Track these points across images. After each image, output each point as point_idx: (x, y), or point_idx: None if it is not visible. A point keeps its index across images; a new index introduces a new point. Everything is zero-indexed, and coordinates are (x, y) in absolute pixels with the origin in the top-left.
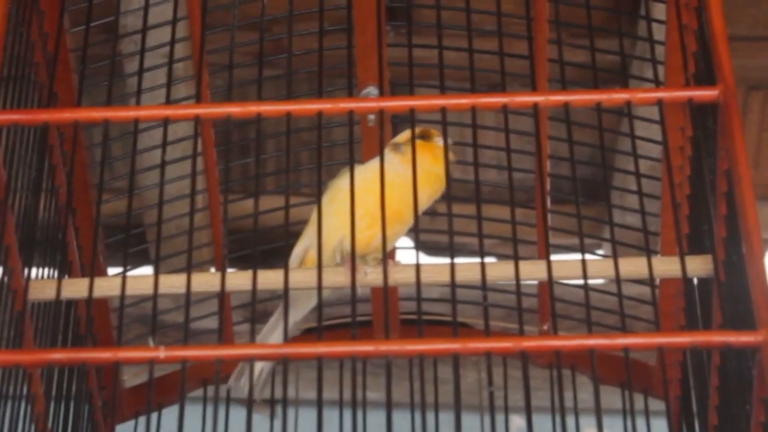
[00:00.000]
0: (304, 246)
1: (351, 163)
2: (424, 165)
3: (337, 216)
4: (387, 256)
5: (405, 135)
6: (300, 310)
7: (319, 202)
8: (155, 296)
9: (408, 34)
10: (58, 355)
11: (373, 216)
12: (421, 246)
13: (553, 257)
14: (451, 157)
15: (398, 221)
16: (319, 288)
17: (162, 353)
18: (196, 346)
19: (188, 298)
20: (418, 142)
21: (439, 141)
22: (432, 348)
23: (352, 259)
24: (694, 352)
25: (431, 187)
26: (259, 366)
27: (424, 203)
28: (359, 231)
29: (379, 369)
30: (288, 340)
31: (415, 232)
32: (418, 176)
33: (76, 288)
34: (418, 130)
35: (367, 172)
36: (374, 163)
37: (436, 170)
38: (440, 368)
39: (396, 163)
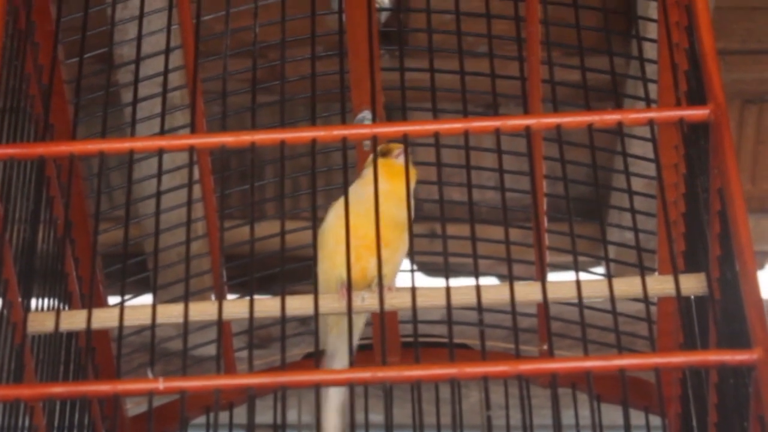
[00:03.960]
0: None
1: (345, 190)
2: (383, 185)
3: (328, 259)
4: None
5: (370, 157)
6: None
7: (314, 231)
8: (153, 327)
9: (400, 58)
10: (58, 389)
11: (356, 249)
12: (420, 267)
13: (552, 275)
14: (413, 172)
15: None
16: (316, 315)
17: (161, 384)
18: (195, 376)
19: (186, 328)
20: (381, 161)
21: (398, 157)
22: (429, 374)
23: (348, 285)
24: (692, 369)
25: (395, 207)
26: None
27: (393, 224)
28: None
29: (381, 391)
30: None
31: (410, 255)
32: (380, 198)
33: (75, 320)
34: (379, 147)
35: (338, 208)
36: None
37: (392, 188)
38: (441, 389)
39: (359, 191)
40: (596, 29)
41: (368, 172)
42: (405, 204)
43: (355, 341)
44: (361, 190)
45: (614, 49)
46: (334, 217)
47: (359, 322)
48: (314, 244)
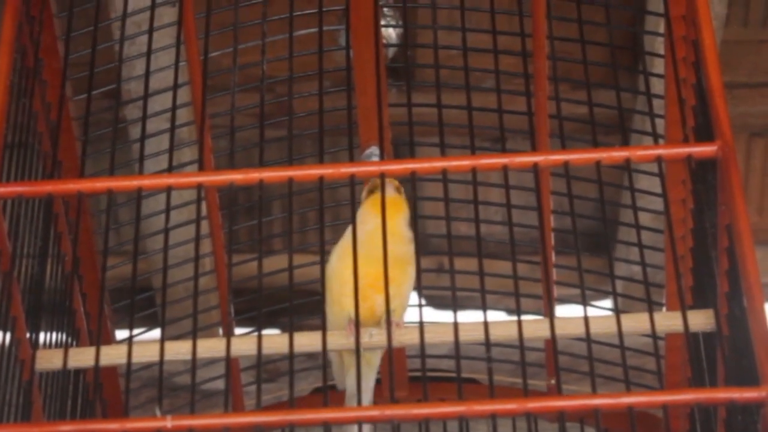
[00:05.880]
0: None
1: (353, 226)
2: (376, 223)
3: (336, 303)
4: (393, 317)
5: (363, 193)
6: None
7: (322, 271)
8: (161, 364)
9: (407, 94)
10: (67, 428)
11: (362, 289)
12: (428, 301)
13: (560, 309)
14: (402, 204)
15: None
16: (324, 352)
17: (169, 423)
18: (204, 414)
19: (194, 365)
20: (370, 199)
21: (391, 191)
22: (438, 411)
23: (356, 322)
24: (700, 405)
25: (392, 243)
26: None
27: (393, 260)
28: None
29: (388, 426)
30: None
31: (417, 291)
32: (375, 236)
33: (83, 357)
34: (372, 184)
35: (338, 251)
36: (344, 237)
37: (387, 224)
38: (449, 423)
39: (357, 233)
40: (603, 64)
41: (362, 212)
42: (402, 238)
43: (374, 377)
44: (358, 231)
45: (621, 84)
46: (335, 260)
47: (374, 359)
48: (322, 281)
